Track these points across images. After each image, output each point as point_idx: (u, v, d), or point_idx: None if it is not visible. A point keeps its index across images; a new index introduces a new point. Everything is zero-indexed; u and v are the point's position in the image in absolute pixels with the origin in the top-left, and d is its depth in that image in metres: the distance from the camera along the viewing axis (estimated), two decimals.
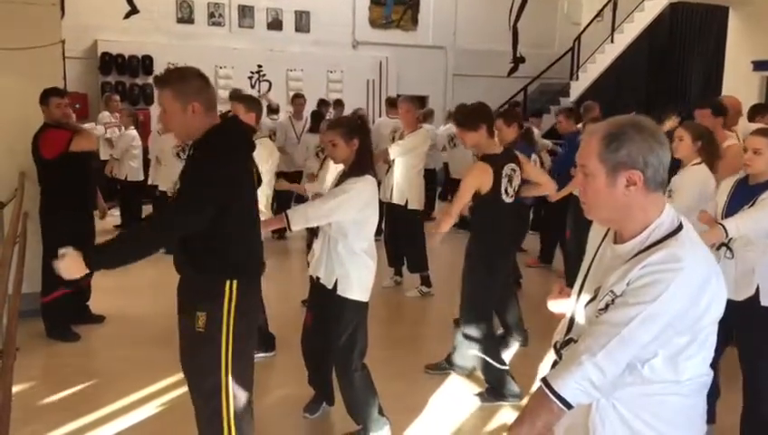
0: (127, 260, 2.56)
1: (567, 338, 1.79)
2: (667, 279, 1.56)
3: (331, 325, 3.42)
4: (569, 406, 1.62)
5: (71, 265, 2.39)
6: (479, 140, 4.00)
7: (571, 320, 1.83)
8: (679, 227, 1.67)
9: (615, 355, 1.59)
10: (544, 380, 1.65)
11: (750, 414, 3.34)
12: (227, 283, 2.60)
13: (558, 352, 1.82)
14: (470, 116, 4.00)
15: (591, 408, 1.70)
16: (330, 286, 3.37)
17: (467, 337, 4.07)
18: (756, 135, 3.37)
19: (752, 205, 3.25)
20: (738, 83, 8.85)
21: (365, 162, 3.39)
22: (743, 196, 3.32)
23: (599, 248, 1.83)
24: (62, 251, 2.39)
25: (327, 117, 8.53)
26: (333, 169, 3.80)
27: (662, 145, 1.67)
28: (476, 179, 3.91)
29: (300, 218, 3.36)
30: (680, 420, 1.69)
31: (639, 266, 1.61)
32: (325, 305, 3.45)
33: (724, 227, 3.17)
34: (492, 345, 4.09)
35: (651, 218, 1.67)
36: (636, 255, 1.65)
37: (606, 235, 1.82)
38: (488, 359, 4.01)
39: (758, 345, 3.28)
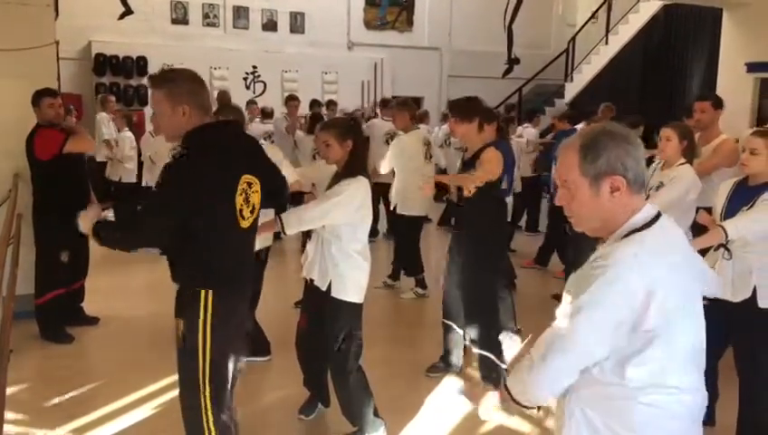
0: (114, 246, 2.64)
1: None
2: (592, 275, 1.60)
3: (326, 327, 3.41)
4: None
5: (87, 220, 2.55)
6: (470, 133, 4.00)
7: None
8: (649, 223, 1.66)
9: (557, 353, 1.65)
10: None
11: (746, 416, 3.35)
12: (202, 293, 2.54)
13: None
14: (466, 107, 4.01)
15: (564, 411, 1.73)
16: (324, 288, 3.36)
17: (476, 340, 4.05)
18: (754, 136, 3.38)
19: (751, 206, 3.25)
20: (732, 85, 8.86)
21: (358, 163, 3.39)
22: (742, 197, 3.33)
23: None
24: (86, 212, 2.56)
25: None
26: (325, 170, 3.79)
27: (637, 147, 1.70)
28: (498, 166, 3.94)
29: (294, 221, 3.33)
30: (646, 431, 1.65)
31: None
32: (320, 307, 3.44)
33: (723, 228, 3.17)
34: (497, 342, 4.11)
35: (634, 213, 1.69)
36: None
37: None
38: (492, 357, 4.01)
39: (754, 347, 3.29)
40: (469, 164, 4.06)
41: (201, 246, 2.53)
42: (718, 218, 3.36)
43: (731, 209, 3.33)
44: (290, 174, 3.75)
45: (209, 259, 2.56)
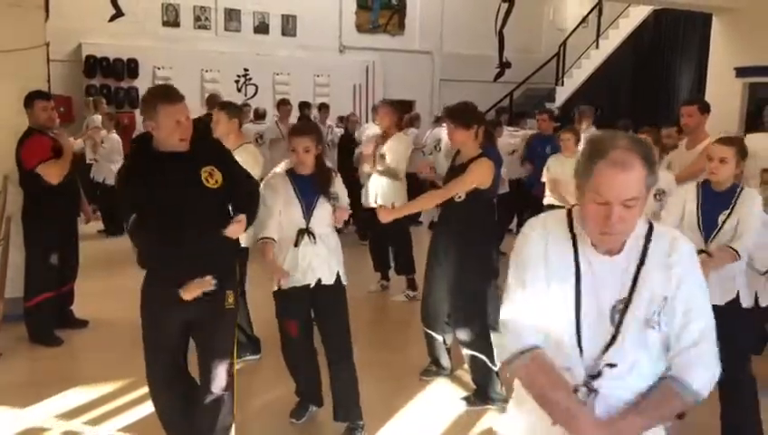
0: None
1: (603, 365, 1.70)
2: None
3: (334, 318, 3.58)
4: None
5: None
6: (467, 140, 4.00)
7: (579, 343, 1.73)
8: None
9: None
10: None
11: (728, 414, 3.38)
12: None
13: (589, 380, 1.72)
14: (465, 114, 4.01)
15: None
16: (332, 282, 3.53)
17: (466, 342, 4.05)
18: (722, 145, 3.43)
19: (730, 213, 3.35)
20: (721, 90, 8.94)
21: (327, 166, 3.62)
22: (715, 203, 3.41)
23: (579, 266, 1.74)
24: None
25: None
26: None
27: None
28: (484, 176, 3.95)
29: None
30: None
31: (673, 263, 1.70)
32: (312, 310, 3.58)
33: (735, 250, 3.29)
34: (488, 344, 4.10)
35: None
36: (642, 254, 1.71)
37: (577, 249, 1.75)
38: (484, 357, 4.01)
39: (740, 347, 3.33)
40: (458, 170, 4.04)
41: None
42: (693, 224, 3.40)
43: (708, 216, 3.40)
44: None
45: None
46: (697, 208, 3.43)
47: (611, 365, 1.69)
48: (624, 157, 1.59)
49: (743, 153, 3.45)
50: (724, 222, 3.38)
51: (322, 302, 3.56)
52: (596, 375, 1.69)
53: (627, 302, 1.69)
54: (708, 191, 3.45)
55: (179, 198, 2.81)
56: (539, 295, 1.74)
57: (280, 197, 3.46)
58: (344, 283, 3.58)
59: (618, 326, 1.69)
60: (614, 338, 1.70)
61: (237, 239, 3.09)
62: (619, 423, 1.66)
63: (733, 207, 3.37)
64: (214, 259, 2.92)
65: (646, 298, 1.69)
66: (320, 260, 3.48)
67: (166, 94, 2.85)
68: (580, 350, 1.72)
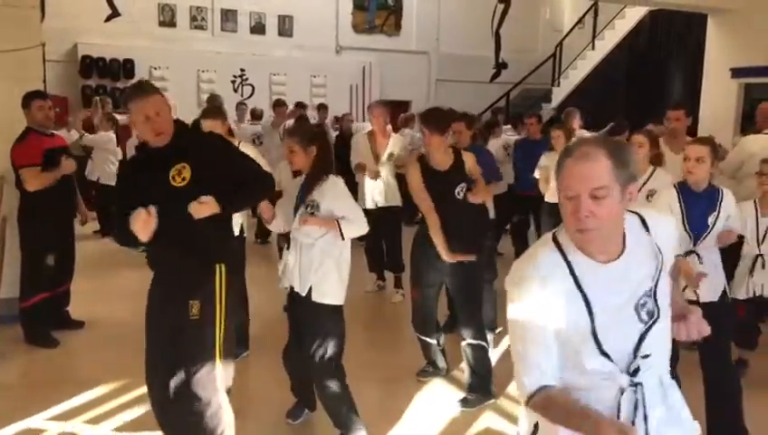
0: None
1: (641, 356, 1.74)
2: None
3: (306, 331, 3.46)
4: None
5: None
6: (442, 144, 3.99)
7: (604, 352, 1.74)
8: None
9: None
10: None
11: (714, 416, 3.40)
12: (218, 267, 2.98)
13: (632, 377, 1.74)
14: (443, 120, 4.00)
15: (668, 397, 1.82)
16: (303, 294, 3.38)
17: (470, 334, 4.06)
18: (697, 144, 3.53)
19: (718, 213, 3.47)
20: (717, 90, 8.96)
21: (323, 169, 3.39)
22: (699, 203, 3.49)
23: (580, 284, 1.72)
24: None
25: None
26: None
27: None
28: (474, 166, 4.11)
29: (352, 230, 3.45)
30: None
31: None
32: (301, 313, 3.50)
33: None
34: (485, 334, 4.16)
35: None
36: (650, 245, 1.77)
37: (571, 267, 1.73)
38: (484, 344, 4.07)
39: (729, 338, 3.53)
40: (458, 171, 4.05)
41: (220, 223, 2.91)
42: (680, 226, 3.45)
43: (694, 216, 3.48)
44: None
45: (220, 234, 2.96)
46: (681, 211, 3.49)
47: (645, 356, 1.73)
48: (588, 150, 1.67)
49: (716, 152, 3.57)
50: (714, 223, 3.48)
51: (298, 313, 3.50)
52: (636, 371, 1.74)
53: (654, 295, 1.74)
54: (688, 193, 3.51)
55: (144, 197, 2.74)
56: (548, 340, 1.74)
57: (289, 199, 3.50)
58: (320, 301, 3.37)
59: (649, 322, 1.73)
60: (646, 333, 1.73)
61: (214, 248, 2.93)
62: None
63: (720, 209, 3.49)
64: (179, 265, 2.86)
65: (664, 282, 1.77)
66: (291, 267, 3.42)
67: (135, 89, 2.88)
68: (608, 357, 1.71)
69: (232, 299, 3.01)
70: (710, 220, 3.48)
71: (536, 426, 1.84)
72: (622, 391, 1.74)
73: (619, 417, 1.74)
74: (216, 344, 2.93)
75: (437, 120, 3.97)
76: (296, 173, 3.63)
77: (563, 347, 1.73)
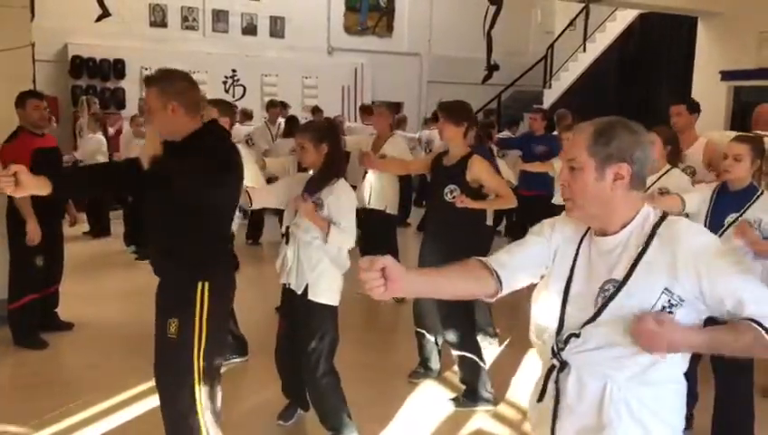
0: None
1: (567, 336, 1.71)
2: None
3: (300, 329, 3.43)
4: None
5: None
6: (456, 136, 3.99)
7: (562, 318, 1.75)
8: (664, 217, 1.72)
9: None
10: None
11: (720, 415, 3.40)
12: (200, 285, 2.76)
13: (558, 353, 1.73)
14: (457, 110, 4.01)
15: (604, 405, 1.68)
16: (300, 292, 3.37)
17: (455, 343, 4.05)
18: (737, 142, 3.41)
19: (741, 214, 3.30)
20: (706, 92, 9.01)
21: (334, 167, 3.38)
22: (726, 204, 3.37)
23: (578, 250, 1.79)
24: None
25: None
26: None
27: (650, 144, 1.77)
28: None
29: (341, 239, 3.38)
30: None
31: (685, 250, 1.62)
32: (297, 312, 3.46)
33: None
34: (476, 343, 4.13)
35: (635, 210, 1.72)
36: (649, 240, 1.67)
37: (584, 236, 1.80)
38: (473, 356, 4.02)
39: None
40: (454, 172, 4.03)
41: (204, 236, 2.72)
42: (703, 223, 3.32)
43: (716, 216, 3.36)
44: (252, 176, 3.99)
45: (209, 251, 2.75)
46: (708, 208, 3.41)
47: (575, 335, 1.70)
48: (583, 125, 1.75)
49: (758, 151, 3.38)
50: (730, 224, 3.33)
51: (292, 311, 3.48)
52: (563, 347, 1.72)
53: (619, 285, 1.67)
54: (723, 194, 3.41)
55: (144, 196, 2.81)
56: (527, 258, 1.87)
57: (292, 186, 3.48)
58: (316, 299, 3.36)
59: (601, 308, 1.67)
60: (593, 318, 1.68)
61: (198, 262, 2.73)
62: (673, 324, 1.59)
63: (745, 211, 3.30)
64: (162, 272, 2.81)
65: (642, 287, 1.64)
66: (289, 264, 3.41)
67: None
68: (561, 325, 1.74)
69: (217, 324, 2.76)
70: (727, 220, 3.33)
71: None
72: (552, 367, 1.75)
73: (542, 397, 1.78)
74: (195, 369, 2.70)
75: (453, 109, 4.00)
76: (303, 168, 3.62)
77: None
